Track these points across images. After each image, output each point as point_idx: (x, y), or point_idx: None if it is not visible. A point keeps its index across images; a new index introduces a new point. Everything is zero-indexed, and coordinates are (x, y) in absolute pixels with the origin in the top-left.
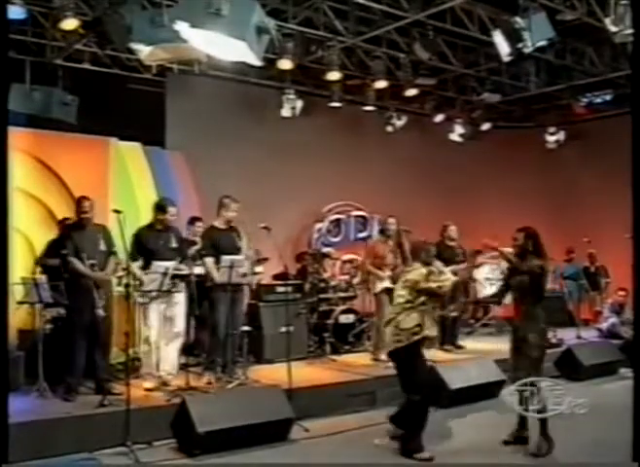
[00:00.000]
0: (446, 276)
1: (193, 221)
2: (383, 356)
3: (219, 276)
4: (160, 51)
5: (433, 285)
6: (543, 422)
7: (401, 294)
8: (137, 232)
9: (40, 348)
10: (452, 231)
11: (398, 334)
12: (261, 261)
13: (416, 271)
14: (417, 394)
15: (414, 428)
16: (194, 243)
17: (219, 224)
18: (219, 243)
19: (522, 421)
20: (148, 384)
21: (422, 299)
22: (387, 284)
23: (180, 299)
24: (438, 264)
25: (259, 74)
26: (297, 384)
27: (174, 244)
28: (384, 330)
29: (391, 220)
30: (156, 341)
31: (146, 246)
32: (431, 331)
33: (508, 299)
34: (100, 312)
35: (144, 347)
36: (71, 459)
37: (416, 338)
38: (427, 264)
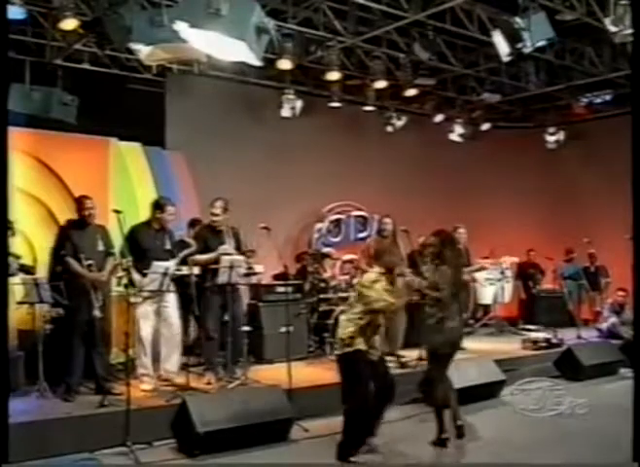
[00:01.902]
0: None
1: (193, 223)
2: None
3: (219, 276)
4: (159, 51)
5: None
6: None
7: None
8: (134, 228)
9: (40, 348)
10: (461, 233)
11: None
12: (247, 253)
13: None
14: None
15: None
16: (188, 245)
17: (210, 223)
18: (208, 242)
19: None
20: (145, 386)
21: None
22: None
23: (171, 299)
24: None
25: (259, 74)
26: (297, 384)
27: (168, 246)
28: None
29: (387, 220)
30: (148, 340)
31: (141, 244)
32: None
33: (507, 298)
34: (97, 313)
35: (138, 348)
36: (71, 459)
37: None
38: (389, 270)
